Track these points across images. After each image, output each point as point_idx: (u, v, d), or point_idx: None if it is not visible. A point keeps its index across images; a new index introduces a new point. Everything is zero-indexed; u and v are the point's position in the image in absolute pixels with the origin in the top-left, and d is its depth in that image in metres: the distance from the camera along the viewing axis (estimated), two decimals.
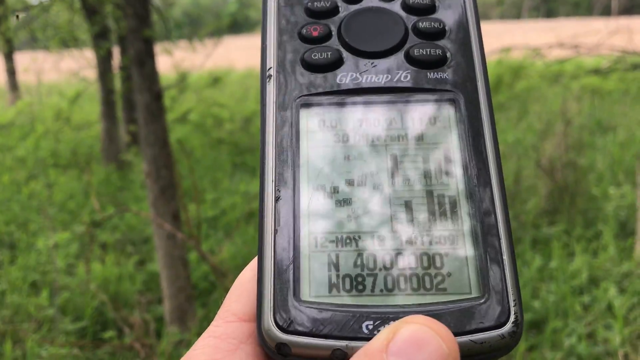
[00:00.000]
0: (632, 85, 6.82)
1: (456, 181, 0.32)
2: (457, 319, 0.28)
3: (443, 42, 0.35)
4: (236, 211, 3.87)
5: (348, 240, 0.31)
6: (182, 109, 7.07)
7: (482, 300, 0.29)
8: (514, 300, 0.29)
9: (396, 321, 0.26)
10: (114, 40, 4.89)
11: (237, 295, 0.32)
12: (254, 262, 0.32)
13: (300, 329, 0.29)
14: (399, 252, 0.30)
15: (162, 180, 2.68)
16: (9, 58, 7.50)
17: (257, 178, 4.57)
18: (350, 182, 0.32)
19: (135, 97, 2.65)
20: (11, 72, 7.65)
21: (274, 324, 0.29)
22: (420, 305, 0.29)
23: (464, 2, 0.37)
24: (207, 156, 5.34)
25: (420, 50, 0.35)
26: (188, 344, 2.55)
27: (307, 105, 0.34)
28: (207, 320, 2.73)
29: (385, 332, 0.26)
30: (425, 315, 0.27)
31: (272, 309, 0.29)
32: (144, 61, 2.60)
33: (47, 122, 5.97)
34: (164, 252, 2.75)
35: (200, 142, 5.91)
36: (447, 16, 0.36)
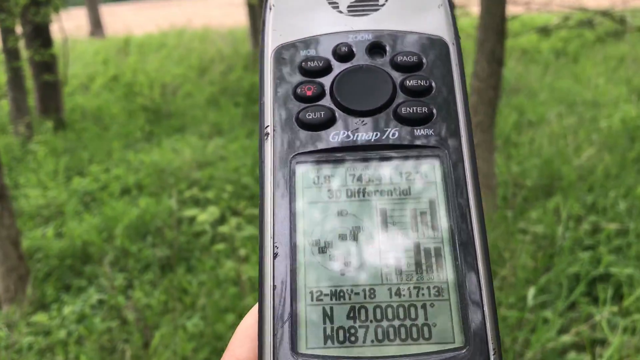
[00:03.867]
0: (571, 44, 6.71)
1: (441, 234, 0.33)
2: None
3: (429, 99, 0.36)
4: (113, 185, 3.81)
5: (342, 294, 0.32)
6: (110, 74, 7.00)
7: (464, 350, 0.30)
8: (493, 349, 0.30)
9: None
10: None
11: (241, 340, 0.33)
12: (255, 309, 0.34)
13: None
14: (388, 304, 0.32)
15: None
16: None
17: (157, 147, 4.54)
18: (343, 237, 0.34)
19: None
20: None
21: None
22: (408, 355, 0.31)
23: (450, 57, 0.38)
24: (118, 123, 5.25)
25: (408, 108, 0.36)
26: (14, 326, 2.53)
27: (302, 162, 0.35)
28: (43, 298, 2.71)
29: None
30: None
31: None
32: None
33: None
34: None
35: (123, 109, 5.82)
36: (433, 72, 0.37)
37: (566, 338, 1.82)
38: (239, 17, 9.35)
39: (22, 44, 4.93)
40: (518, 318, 1.93)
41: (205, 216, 2.58)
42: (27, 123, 4.99)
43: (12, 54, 4.75)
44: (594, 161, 2.89)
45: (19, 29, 4.69)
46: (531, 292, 1.99)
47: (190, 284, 2.55)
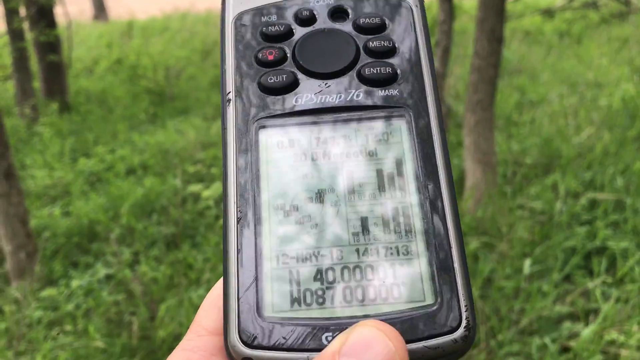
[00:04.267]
0: (575, 25, 6.69)
1: (409, 193, 0.33)
2: (411, 326, 0.30)
3: (393, 60, 0.36)
4: (119, 166, 3.86)
5: (308, 256, 0.32)
6: (114, 57, 7.03)
7: (435, 307, 0.30)
8: (465, 306, 0.30)
9: (350, 327, 0.28)
10: None
11: (207, 310, 0.33)
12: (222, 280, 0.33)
13: (263, 343, 0.30)
14: (356, 265, 0.31)
15: None
16: None
17: (161, 128, 4.58)
18: (308, 200, 0.33)
19: None
20: None
21: (238, 339, 0.30)
22: (377, 314, 0.30)
23: (414, 18, 0.37)
24: (122, 106, 5.29)
25: (371, 69, 0.36)
26: (23, 300, 2.59)
27: (265, 127, 0.35)
28: (51, 274, 2.77)
29: (339, 337, 0.28)
30: None
31: (237, 325, 0.30)
32: None
33: None
34: None
35: (128, 91, 5.85)
36: (396, 34, 0.37)
37: (561, 307, 1.87)
38: None
39: (26, 27, 4.96)
40: (514, 288, 1.98)
41: (210, 192, 2.63)
42: (32, 105, 5.03)
43: (17, 36, 4.79)
44: (593, 139, 2.93)
45: (22, 12, 4.72)
46: (527, 262, 2.04)
47: (196, 260, 2.60)
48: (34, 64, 5.39)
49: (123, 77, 6.26)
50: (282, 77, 0.36)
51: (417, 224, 0.32)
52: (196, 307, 2.14)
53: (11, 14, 4.55)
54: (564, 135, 3.00)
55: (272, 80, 0.36)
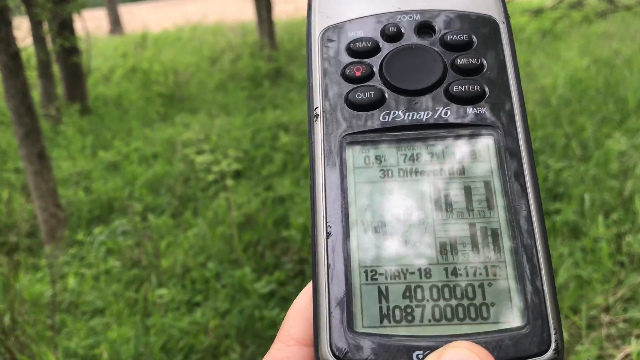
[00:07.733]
0: (559, 24, 7.14)
1: (497, 214, 0.33)
2: (501, 347, 0.30)
3: (481, 77, 0.36)
4: (133, 155, 4.43)
5: (397, 273, 0.32)
6: (129, 66, 7.64)
7: (525, 330, 0.30)
8: (554, 329, 0.30)
9: (442, 347, 0.29)
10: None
11: (295, 320, 0.34)
12: (307, 290, 0.35)
13: (355, 358, 0.30)
14: (445, 284, 0.32)
15: (25, 126, 3.24)
16: None
17: (171, 126, 5.15)
18: (396, 217, 0.33)
19: None
20: None
21: (330, 353, 0.31)
22: (466, 334, 0.30)
23: (501, 36, 0.37)
24: (136, 108, 5.88)
25: (459, 86, 0.36)
26: (55, 257, 3.15)
27: (353, 143, 0.35)
28: (75, 240, 3.33)
29: (431, 356, 0.29)
30: None
31: (328, 340, 0.31)
32: None
33: None
34: (33, 186, 3.33)
35: (141, 95, 6.43)
36: (484, 51, 0.37)
37: None
38: (252, 12, 9.92)
39: (48, 39, 5.57)
40: None
41: (203, 159, 3.19)
42: (56, 107, 5.64)
43: (41, 47, 5.40)
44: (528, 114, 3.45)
45: (45, 25, 5.34)
46: None
47: (194, 220, 3.15)
48: (57, 72, 5.99)
49: (137, 83, 6.86)
50: (370, 94, 0.36)
51: (507, 244, 0.32)
52: (190, 247, 2.69)
53: (36, 25, 5.18)
54: None
55: (360, 97, 0.36)
